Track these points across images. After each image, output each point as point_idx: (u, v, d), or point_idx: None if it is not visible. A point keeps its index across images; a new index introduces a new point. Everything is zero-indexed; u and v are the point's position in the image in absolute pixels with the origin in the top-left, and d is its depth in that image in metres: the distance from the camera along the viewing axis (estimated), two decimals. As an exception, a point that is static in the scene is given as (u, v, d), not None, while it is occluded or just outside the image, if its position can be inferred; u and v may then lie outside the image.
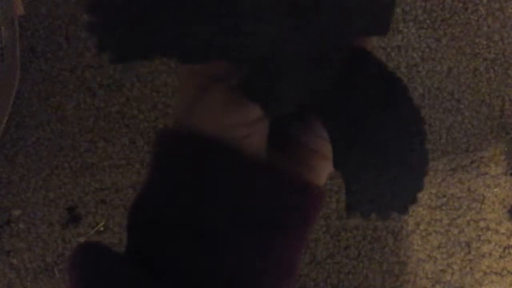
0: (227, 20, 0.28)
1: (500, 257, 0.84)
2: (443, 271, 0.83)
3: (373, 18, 0.33)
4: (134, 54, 0.29)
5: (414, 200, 0.34)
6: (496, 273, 0.84)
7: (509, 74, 0.87)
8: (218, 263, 0.31)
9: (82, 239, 0.82)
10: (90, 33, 0.30)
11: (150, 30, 0.29)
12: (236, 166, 0.32)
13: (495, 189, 0.85)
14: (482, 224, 0.84)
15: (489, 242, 0.84)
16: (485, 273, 0.84)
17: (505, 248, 0.84)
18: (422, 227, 0.83)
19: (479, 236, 0.84)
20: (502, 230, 0.84)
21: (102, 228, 0.82)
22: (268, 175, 0.32)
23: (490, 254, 0.84)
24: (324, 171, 0.36)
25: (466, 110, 0.86)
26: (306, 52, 0.31)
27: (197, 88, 0.33)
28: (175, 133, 0.33)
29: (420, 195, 0.33)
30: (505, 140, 0.86)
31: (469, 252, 0.84)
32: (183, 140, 0.33)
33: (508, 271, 0.84)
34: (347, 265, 0.82)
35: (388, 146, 0.33)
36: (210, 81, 0.32)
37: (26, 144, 0.82)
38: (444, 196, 0.84)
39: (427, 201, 0.84)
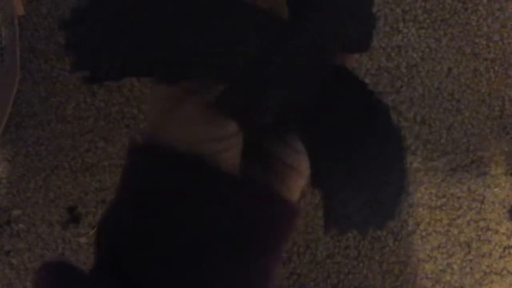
0: (203, 41, 0.28)
1: (500, 257, 0.84)
2: (443, 271, 0.83)
3: (354, 36, 0.34)
4: (110, 75, 0.29)
5: (393, 217, 0.34)
6: (496, 273, 0.84)
7: (509, 74, 0.87)
8: (191, 280, 0.31)
9: (82, 239, 0.82)
10: (65, 52, 0.29)
11: (126, 50, 0.28)
12: (208, 181, 0.31)
13: (495, 189, 0.85)
14: (482, 224, 0.84)
15: (489, 242, 0.84)
16: (485, 273, 0.84)
17: (505, 248, 0.84)
18: (422, 227, 0.83)
19: (479, 236, 0.84)
20: (502, 230, 0.84)
21: (102, 228, 0.82)
22: (241, 191, 0.32)
23: (490, 254, 0.84)
24: (298, 187, 0.35)
25: (466, 110, 0.86)
26: (286, 69, 0.31)
27: (171, 101, 0.32)
28: (146, 147, 0.32)
29: (398, 211, 0.33)
30: (505, 140, 0.86)
31: (469, 252, 0.84)
32: (153, 154, 0.32)
33: (508, 271, 0.84)
34: (347, 265, 0.82)
35: (368, 163, 0.33)
36: (184, 94, 0.32)
37: (26, 144, 0.82)
38: (444, 196, 0.84)
39: (427, 201, 0.84)
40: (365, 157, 0.33)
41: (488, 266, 0.84)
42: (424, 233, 0.83)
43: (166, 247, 0.31)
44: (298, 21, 0.31)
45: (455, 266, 0.83)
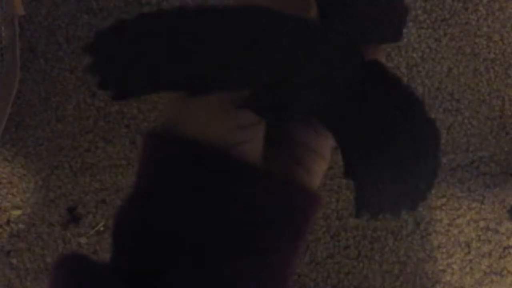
0: (229, 53, 0.28)
1: (500, 257, 0.84)
2: (443, 271, 0.83)
3: (387, 26, 0.33)
4: (137, 90, 0.29)
5: (425, 197, 0.34)
6: (496, 273, 0.84)
7: (509, 74, 0.87)
8: (215, 276, 0.30)
9: (82, 239, 0.82)
10: (90, 74, 0.29)
11: (152, 66, 0.28)
12: (231, 174, 0.30)
13: (495, 189, 0.85)
14: (482, 224, 0.84)
15: (489, 242, 0.84)
16: (485, 273, 0.84)
17: (505, 248, 0.84)
18: (422, 227, 0.83)
19: (479, 236, 0.84)
20: (502, 230, 0.84)
21: (102, 228, 0.82)
22: (263, 184, 0.31)
23: (490, 254, 0.84)
24: (321, 171, 0.35)
25: (466, 110, 0.86)
26: (319, 71, 0.31)
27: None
28: (163, 137, 0.32)
29: (430, 192, 0.34)
30: (505, 140, 0.86)
31: (469, 252, 0.84)
32: (172, 145, 0.31)
33: (508, 271, 0.84)
34: (347, 265, 0.82)
35: (401, 154, 0.33)
36: None
37: (26, 144, 0.82)
38: (444, 196, 0.84)
39: (427, 201, 0.84)
40: (399, 148, 0.33)
41: (488, 266, 0.84)
42: (424, 233, 0.83)
43: (192, 240, 0.30)
44: (329, 21, 0.31)
45: (455, 266, 0.83)
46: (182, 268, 0.30)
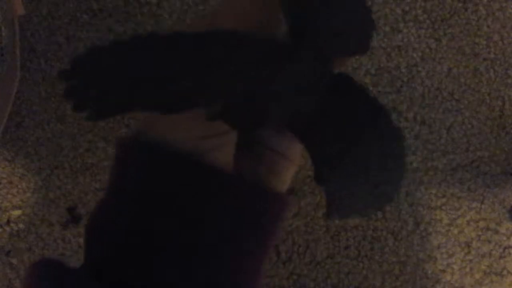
0: (199, 73, 0.30)
1: (500, 257, 0.84)
2: (443, 271, 0.83)
3: (354, 39, 0.35)
4: (112, 111, 0.30)
5: (392, 199, 0.36)
6: (496, 273, 0.84)
7: (509, 74, 0.87)
8: (183, 278, 0.31)
9: (82, 239, 0.82)
10: (67, 98, 0.30)
11: (126, 87, 0.30)
12: (202, 180, 0.31)
13: (495, 189, 0.85)
14: (482, 224, 0.84)
15: (489, 242, 0.84)
16: (485, 273, 0.84)
17: (505, 248, 0.84)
18: (422, 227, 0.83)
19: (479, 236, 0.84)
20: (502, 230, 0.84)
21: (102, 228, 0.82)
22: (233, 189, 0.32)
23: (490, 254, 0.84)
24: (289, 175, 0.36)
25: (466, 110, 0.86)
26: (287, 87, 0.32)
27: None
28: (138, 143, 0.32)
29: (397, 194, 0.36)
30: (505, 140, 0.86)
31: (469, 252, 0.84)
32: (147, 151, 0.32)
33: (508, 271, 0.84)
34: (347, 265, 0.82)
35: (370, 161, 0.35)
36: None
37: (26, 144, 0.82)
38: (444, 196, 0.84)
39: (427, 201, 0.84)
40: (366, 155, 0.34)
41: (488, 266, 0.84)
42: (424, 233, 0.83)
43: (165, 246, 0.31)
44: (297, 38, 0.33)
45: (455, 266, 0.83)
46: (153, 270, 0.31)
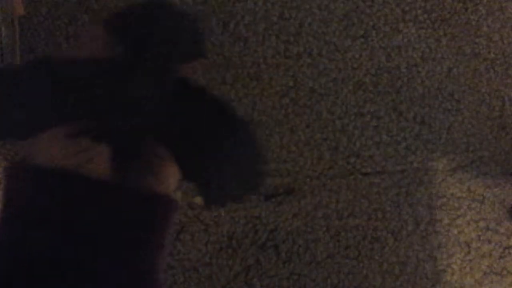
0: (59, 100, 0.35)
1: (500, 257, 0.84)
2: (443, 271, 0.83)
3: (189, 46, 0.40)
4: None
5: (256, 188, 0.41)
6: (496, 273, 0.84)
7: (509, 74, 0.87)
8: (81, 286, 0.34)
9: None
10: None
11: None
12: (77, 191, 0.35)
13: (495, 189, 0.85)
14: (482, 224, 0.84)
15: (489, 242, 0.84)
16: (485, 273, 0.84)
17: (505, 248, 0.84)
18: (422, 227, 0.83)
19: (479, 236, 0.84)
20: (502, 230, 0.84)
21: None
22: (114, 194, 0.35)
23: (490, 254, 0.84)
24: (171, 177, 0.39)
25: (466, 110, 0.86)
26: (133, 101, 0.37)
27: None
28: (18, 168, 0.37)
29: (260, 184, 0.40)
30: (505, 140, 0.86)
31: (469, 252, 0.84)
32: (24, 173, 0.36)
33: (508, 271, 0.84)
34: (347, 265, 0.82)
35: (229, 156, 0.39)
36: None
37: (26, 144, 0.82)
38: (444, 196, 0.84)
39: (427, 201, 0.84)
40: (221, 149, 0.39)
41: (488, 266, 0.84)
42: (424, 233, 0.83)
43: (54, 256, 0.34)
44: (135, 56, 0.37)
45: (455, 266, 0.83)
46: (48, 276, 0.34)
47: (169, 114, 0.38)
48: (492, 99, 0.86)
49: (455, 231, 0.84)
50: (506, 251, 0.84)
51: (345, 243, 0.83)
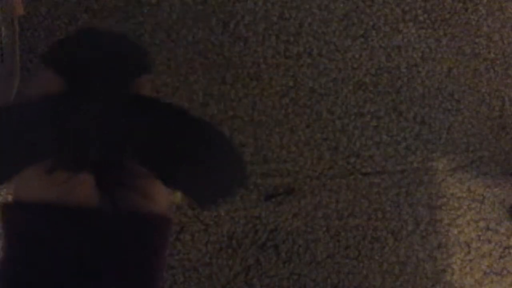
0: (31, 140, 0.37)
1: (500, 257, 0.84)
2: (443, 271, 0.83)
3: (135, 62, 0.41)
4: None
5: (235, 192, 0.43)
6: (496, 273, 0.84)
7: (509, 74, 0.87)
8: None
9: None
10: None
11: None
12: (67, 220, 0.35)
13: (495, 189, 0.85)
14: (482, 224, 0.84)
15: (489, 242, 0.84)
16: (485, 273, 0.84)
17: (505, 248, 0.84)
18: (422, 227, 0.83)
19: (479, 236, 0.84)
20: (502, 230, 0.84)
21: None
22: (104, 220, 0.36)
23: (490, 254, 0.84)
24: (162, 195, 0.39)
25: (466, 110, 0.86)
26: (94, 117, 0.38)
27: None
28: (6, 207, 0.38)
29: (235, 190, 0.42)
30: (505, 140, 0.86)
31: (469, 252, 0.84)
32: (16, 211, 0.37)
33: (508, 271, 0.84)
34: (347, 265, 0.82)
35: (204, 163, 0.40)
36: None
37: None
38: (444, 196, 0.84)
39: (427, 201, 0.84)
40: (195, 159, 0.40)
41: (488, 266, 0.84)
42: (424, 233, 0.83)
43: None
44: (83, 89, 0.39)
45: (455, 266, 0.83)
46: None
47: (131, 131, 0.39)
48: (492, 99, 0.86)
49: (455, 231, 0.84)
50: (506, 251, 0.84)
51: (345, 243, 0.83)
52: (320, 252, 0.82)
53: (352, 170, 0.83)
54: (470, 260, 0.84)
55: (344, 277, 0.83)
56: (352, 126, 0.84)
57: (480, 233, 0.84)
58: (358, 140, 0.84)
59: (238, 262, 0.81)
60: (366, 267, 0.83)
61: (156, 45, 0.84)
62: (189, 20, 0.84)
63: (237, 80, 0.83)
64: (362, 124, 0.84)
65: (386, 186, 0.83)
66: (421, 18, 0.86)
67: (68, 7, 0.83)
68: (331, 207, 0.83)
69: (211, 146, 0.40)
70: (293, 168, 0.82)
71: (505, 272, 0.84)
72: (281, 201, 0.82)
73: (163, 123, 0.40)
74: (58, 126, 0.37)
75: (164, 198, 0.40)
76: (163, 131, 0.40)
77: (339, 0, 0.86)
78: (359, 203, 0.83)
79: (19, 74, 0.82)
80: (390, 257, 0.83)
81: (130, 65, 0.41)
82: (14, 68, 0.80)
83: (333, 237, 0.83)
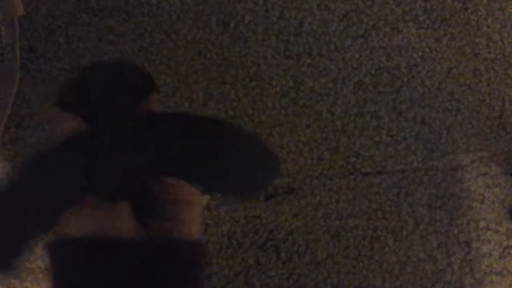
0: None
1: (500, 257, 0.84)
2: (443, 271, 0.83)
3: (143, 84, 0.43)
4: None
5: (263, 190, 0.48)
6: (496, 273, 0.84)
7: (509, 74, 0.87)
8: None
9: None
10: None
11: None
12: (112, 254, 0.38)
13: (495, 189, 0.85)
14: (482, 224, 0.84)
15: (489, 242, 0.84)
16: (485, 273, 0.84)
17: (505, 248, 0.84)
18: (422, 227, 0.84)
19: (479, 236, 0.84)
20: (502, 230, 0.84)
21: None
22: (142, 251, 0.38)
23: (490, 254, 0.84)
24: (195, 218, 0.41)
25: (466, 110, 0.86)
26: (116, 146, 0.40)
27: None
28: (59, 242, 0.40)
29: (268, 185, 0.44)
30: (505, 140, 0.86)
31: (469, 252, 0.84)
32: (65, 246, 0.39)
33: (508, 271, 0.84)
34: (347, 265, 0.83)
35: (229, 165, 0.42)
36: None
37: (26, 144, 0.82)
38: (444, 196, 0.84)
39: (427, 201, 0.84)
40: (227, 162, 0.42)
41: (488, 266, 0.84)
42: (424, 233, 0.83)
43: None
44: (99, 123, 0.41)
45: (455, 266, 0.83)
46: None
47: (160, 148, 0.40)
48: (492, 99, 0.86)
49: (455, 231, 0.84)
50: (506, 251, 0.84)
51: (345, 243, 0.83)
52: (320, 252, 0.82)
53: (352, 170, 0.83)
54: (470, 260, 0.84)
55: (344, 277, 0.83)
56: (352, 126, 0.84)
57: (480, 233, 0.84)
58: (358, 140, 0.84)
59: (238, 262, 0.81)
60: (366, 267, 0.83)
61: (156, 45, 0.84)
62: (189, 20, 0.84)
63: (237, 80, 0.83)
64: (362, 124, 0.84)
65: (386, 186, 0.83)
66: (421, 18, 0.86)
67: (68, 7, 0.83)
68: (331, 207, 0.83)
69: (240, 146, 0.42)
70: (293, 168, 0.82)
71: (505, 272, 0.84)
72: (281, 201, 0.82)
73: (189, 133, 0.41)
74: (88, 164, 0.39)
75: (197, 222, 0.41)
76: (191, 140, 0.41)
77: (339, 0, 0.86)
78: (359, 203, 0.83)
79: (19, 74, 0.82)
80: (390, 257, 0.83)
81: (139, 89, 0.42)
82: (14, 68, 0.80)
83: (333, 237, 0.83)
